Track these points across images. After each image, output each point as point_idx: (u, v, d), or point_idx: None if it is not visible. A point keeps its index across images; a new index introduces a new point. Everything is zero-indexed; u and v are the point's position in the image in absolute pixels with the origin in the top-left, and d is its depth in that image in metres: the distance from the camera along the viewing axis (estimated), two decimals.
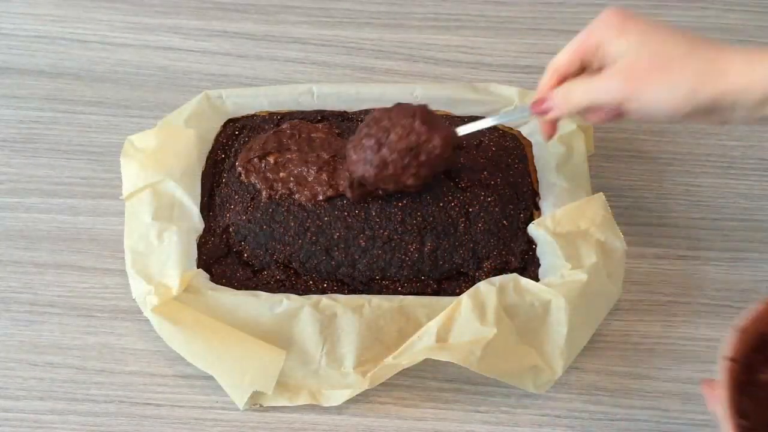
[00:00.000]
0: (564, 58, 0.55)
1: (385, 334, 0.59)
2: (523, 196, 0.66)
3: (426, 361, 0.57)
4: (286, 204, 0.64)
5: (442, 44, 0.83)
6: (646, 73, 0.49)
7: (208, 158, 0.69)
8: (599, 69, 0.53)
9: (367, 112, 0.71)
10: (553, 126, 0.59)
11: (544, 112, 0.56)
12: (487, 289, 0.59)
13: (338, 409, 0.59)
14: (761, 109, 0.48)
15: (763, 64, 0.47)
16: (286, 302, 0.59)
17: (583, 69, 0.55)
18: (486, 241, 0.63)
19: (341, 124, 0.71)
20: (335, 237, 0.62)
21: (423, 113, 0.59)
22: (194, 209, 0.64)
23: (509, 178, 0.67)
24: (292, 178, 0.64)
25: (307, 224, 0.63)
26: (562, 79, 0.55)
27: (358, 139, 0.60)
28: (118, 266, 0.66)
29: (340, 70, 0.81)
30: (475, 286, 0.59)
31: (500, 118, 0.62)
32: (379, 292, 0.62)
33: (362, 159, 0.59)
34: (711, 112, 0.49)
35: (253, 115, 0.72)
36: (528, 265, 0.63)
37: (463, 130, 0.61)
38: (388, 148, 0.58)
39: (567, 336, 0.58)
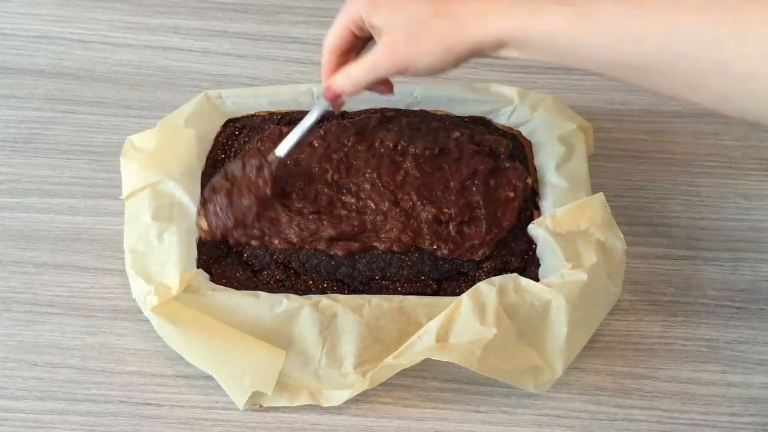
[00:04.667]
0: (333, 38, 0.58)
1: (385, 334, 0.59)
2: None
3: (426, 361, 0.57)
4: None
5: None
6: (406, 46, 0.53)
7: (208, 158, 0.69)
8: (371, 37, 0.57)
9: (367, 112, 0.72)
10: (341, 104, 0.61)
11: (336, 98, 0.58)
12: (487, 289, 0.59)
13: (338, 409, 0.59)
14: (500, 52, 0.52)
15: (493, 16, 0.51)
16: (286, 302, 0.59)
17: (359, 38, 0.57)
18: None
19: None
20: None
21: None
22: (194, 209, 0.64)
23: None
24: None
25: None
26: (340, 57, 0.58)
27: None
28: (118, 266, 0.66)
29: None
30: (475, 286, 0.59)
31: (306, 122, 0.62)
32: (379, 292, 0.62)
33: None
34: (479, 56, 0.53)
35: (253, 115, 0.72)
36: (528, 265, 0.63)
37: (281, 150, 0.62)
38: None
39: (567, 336, 0.58)
